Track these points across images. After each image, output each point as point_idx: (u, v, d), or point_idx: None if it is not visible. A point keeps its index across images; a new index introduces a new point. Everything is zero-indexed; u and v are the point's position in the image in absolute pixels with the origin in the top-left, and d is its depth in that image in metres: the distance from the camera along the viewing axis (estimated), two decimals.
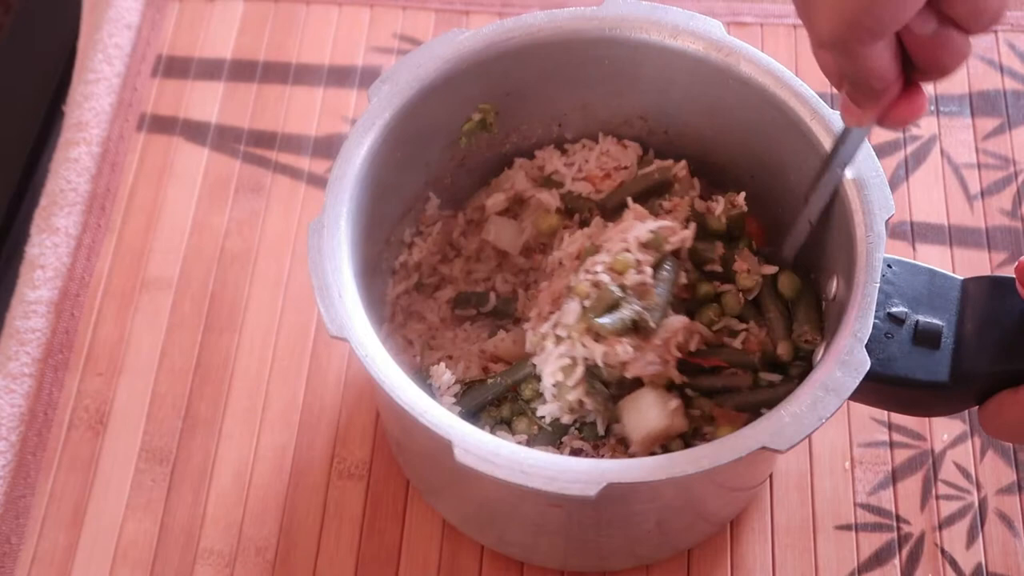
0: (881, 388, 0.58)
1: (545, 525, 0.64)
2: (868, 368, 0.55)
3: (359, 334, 0.58)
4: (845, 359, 0.56)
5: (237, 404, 0.74)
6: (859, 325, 0.57)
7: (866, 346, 0.56)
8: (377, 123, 0.64)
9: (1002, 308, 0.57)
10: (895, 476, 0.71)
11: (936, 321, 0.58)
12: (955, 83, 0.85)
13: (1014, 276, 0.56)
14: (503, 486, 0.54)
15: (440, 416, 0.56)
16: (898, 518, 0.70)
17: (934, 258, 0.78)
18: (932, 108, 0.84)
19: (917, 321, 0.58)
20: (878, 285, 0.58)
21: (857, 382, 0.55)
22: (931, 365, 0.57)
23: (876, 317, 0.57)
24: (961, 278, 0.59)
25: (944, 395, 0.58)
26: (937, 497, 0.71)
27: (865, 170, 0.61)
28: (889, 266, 0.59)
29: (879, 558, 0.69)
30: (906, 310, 0.58)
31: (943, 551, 0.69)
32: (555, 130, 0.72)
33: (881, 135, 0.83)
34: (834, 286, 0.63)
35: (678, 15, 0.65)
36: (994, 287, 0.58)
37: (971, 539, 0.69)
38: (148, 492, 0.71)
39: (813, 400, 0.55)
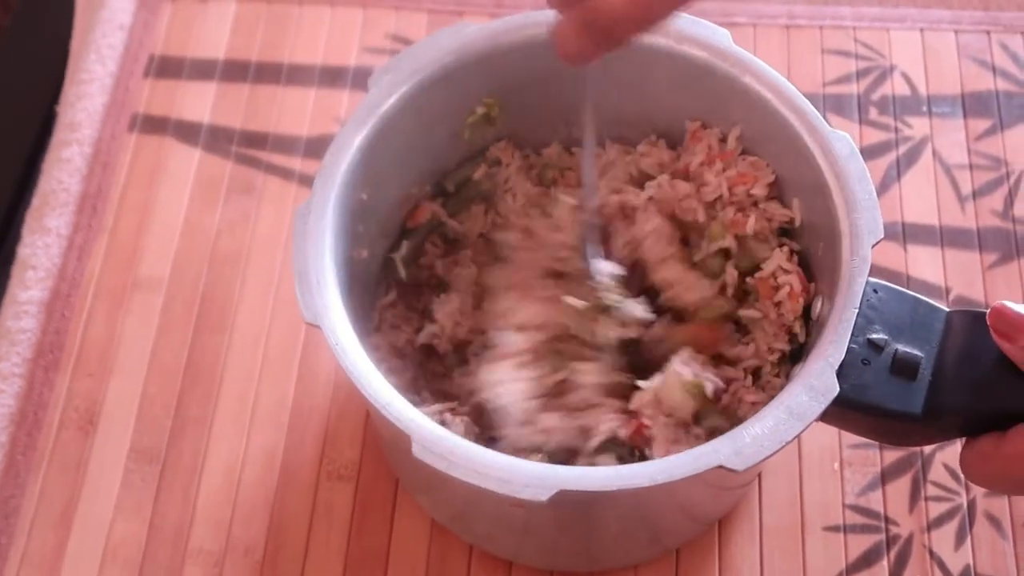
0: (852, 415, 0.57)
1: (514, 523, 0.64)
2: (836, 394, 0.55)
3: (333, 322, 0.58)
4: (814, 383, 0.55)
5: (227, 404, 0.74)
6: (832, 350, 0.56)
7: (841, 371, 0.55)
8: (375, 112, 0.63)
9: (982, 345, 0.55)
10: (884, 477, 0.71)
11: (915, 352, 0.56)
12: (947, 84, 0.85)
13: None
14: (462, 483, 0.54)
15: (402, 410, 0.56)
16: (887, 519, 0.70)
17: (925, 259, 0.78)
18: (924, 108, 0.84)
19: (896, 350, 0.56)
20: (857, 311, 0.57)
21: (823, 408, 0.55)
22: (905, 396, 0.56)
23: (855, 342, 0.56)
24: (947, 310, 0.58)
25: (916, 428, 0.56)
26: (926, 498, 0.71)
27: (858, 192, 0.60)
28: (875, 291, 0.58)
29: (867, 559, 0.69)
30: (886, 337, 0.57)
31: (931, 552, 0.69)
32: (562, 128, 0.72)
33: (872, 136, 0.83)
34: (819, 306, 0.63)
35: (685, 21, 0.65)
36: (976, 323, 0.56)
37: (959, 540, 0.69)
38: (137, 492, 0.71)
39: (776, 422, 0.54)
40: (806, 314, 0.65)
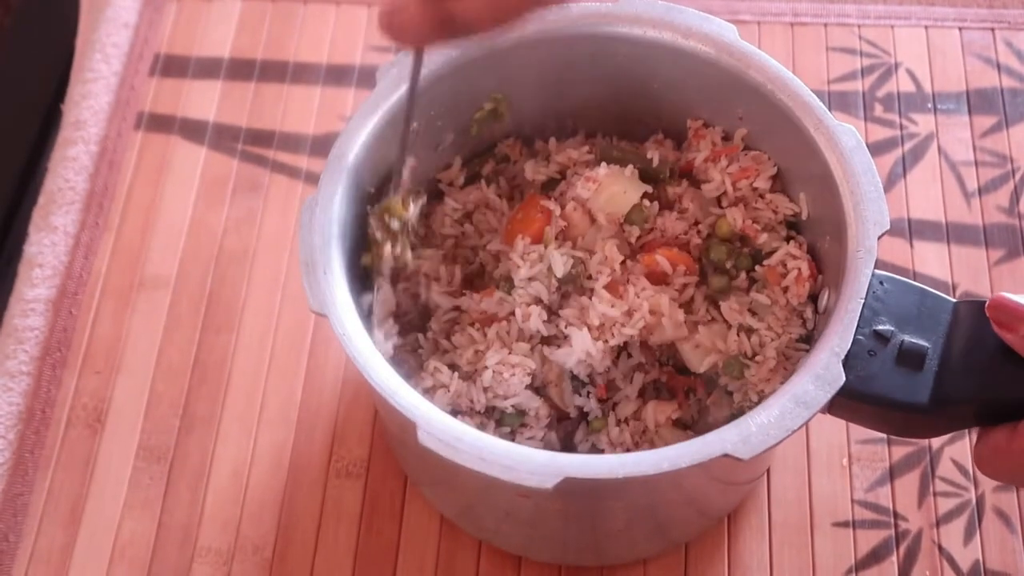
0: (858, 406, 0.57)
1: (522, 516, 0.64)
2: (842, 384, 0.55)
3: (340, 311, 0.58)
4: (820, 373, 0.55)
5: (235, 402, 0.74)
6: (838, 340, 0.56)
7: (847, 362, 0.56)
8: (382, 105, 0.63)
9: (989, 335, 0.55)
10: (893, 473, 0.71)
11: (922, 342, 0.56)
12: (952, 81, 0.85)
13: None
14: (469, 473, 0.54)
15: (408, 398, 0.56)
16: (895, 515, 0.70)
17: (931, 255, 0.78)
18: (929, 105, 0.84)
19: (903, 341, 0.56)
20: (863, 301, 0.57)
21: (829, 397, 0.55)
22: (911, 387, 0.56)
23: (861, 334, 0.57)
24: (954, 300, 0.58)
25: (923, 419, 0.56)
26: (935, 494, 0.71)
27: (865, 184, 0.60)
28: (881, 283, 0.58)
29: (876, 555, 0.69)
30: (892, 328, 0.57)
31: (940, 548, 0.69)
32: (569, 124, 0.72)
33: (878, 133, 0.83)
34: (826, 298, 0.63)
35: (692, 17, 0.65)
36: (984, 312, 0.56)
37: (968, 536, 0.69)
38: (145, 490, 0.71)
39: (782, 412, 0.54)
40: (816, 301, 0.65)
